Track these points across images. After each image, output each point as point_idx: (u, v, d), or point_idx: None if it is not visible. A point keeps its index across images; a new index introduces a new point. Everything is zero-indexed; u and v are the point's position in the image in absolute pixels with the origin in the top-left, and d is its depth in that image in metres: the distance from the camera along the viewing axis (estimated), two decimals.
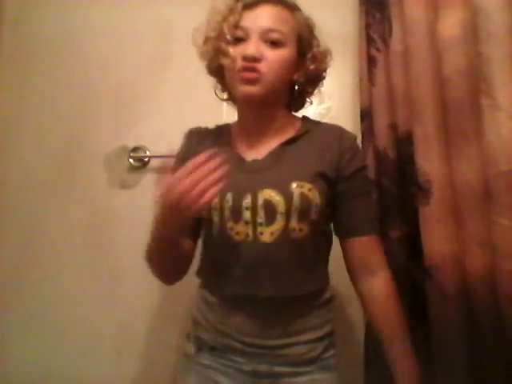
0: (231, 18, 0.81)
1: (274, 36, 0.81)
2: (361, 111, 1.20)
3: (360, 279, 0.86)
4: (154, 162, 1.36)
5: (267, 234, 0.79)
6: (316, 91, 0.93)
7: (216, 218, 0.82)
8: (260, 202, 0.79)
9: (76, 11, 1.42)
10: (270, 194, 0.79)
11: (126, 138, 1.37)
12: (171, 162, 0.95)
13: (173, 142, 1.31)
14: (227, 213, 0.81)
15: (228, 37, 0.81)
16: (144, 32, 1.41)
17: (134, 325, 1.31)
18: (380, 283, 0.84)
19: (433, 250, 0.89)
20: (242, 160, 0.85)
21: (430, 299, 0.90)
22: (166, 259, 0.84)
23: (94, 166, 1.36)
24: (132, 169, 1.36)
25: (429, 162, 0.90)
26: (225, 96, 0.94)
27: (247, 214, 0.80)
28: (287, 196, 0.79)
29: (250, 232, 0.80)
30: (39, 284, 1.33)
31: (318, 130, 0.88)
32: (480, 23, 0.76)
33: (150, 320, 1.31)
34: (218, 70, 0.87)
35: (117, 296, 1.32)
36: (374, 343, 1.07)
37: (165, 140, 1.35)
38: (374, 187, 1.11)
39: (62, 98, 1.40)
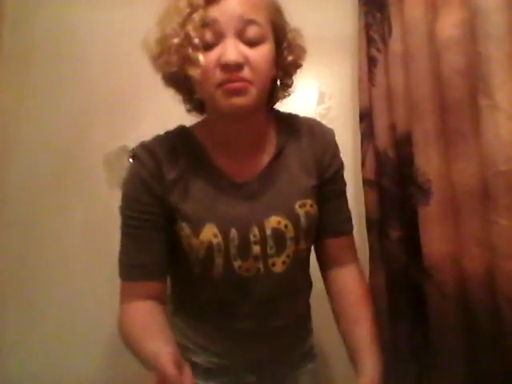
0: (195, 16, 0.64)
1: (253, 31, 0.65)
2: (360, 111, 1.20)
3: (332, 271, 0.83)
4: None
5: (279, 264, 0.74)
6: (294, 81, 0.79)
7: (219, 260, 0.71)
8: (268, 232, 0.73)
9: (76, 11, 1.42)
10: (277, 221, 0.73)
11: (126, 138, 1.37)
12: None
13: None
14: (233, 251, 0.71)
15: (196, 40, 0.64)
16: (144, 32, 1.40)
17: None
18: (352, 273, 0.82)
19: (432, 251, 0.89)
20: (233, 184, 0.74)
21: (429, 299, 0.90)
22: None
23: (94, 166, 1.36)
24: None
25: (428, 162, 0.90)
26: (189, 106, 0.80)
27: (256, 249, 0.72)
28: (294, 219, 0.74)
29: (261, 266, 0.73)
30: (39, 284, 1.33)
31: (296, 135, 0.79)
32: (479, 23, 0.76)
33: None
34: (177, 79, 0.71)
35: (116, 295, 1.31)
36: None
37: None
38: (375, 187, 1.11)
39: (62, 98, 1.40)
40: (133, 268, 0.74)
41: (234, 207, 0.71)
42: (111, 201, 1.36)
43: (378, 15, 1.14)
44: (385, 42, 1.10)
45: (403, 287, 1.02)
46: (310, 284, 0.87)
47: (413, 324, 1.00)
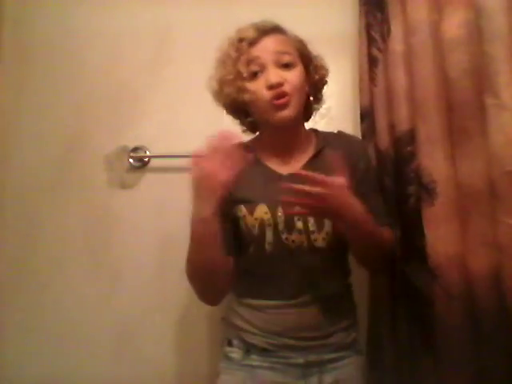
0: (242, 58, 0.88)
1: (286, 58, 0.89)
2: (361, 111, 1.20)
3: None
4: (153, 162, 1.35)
5: (320, 239, 0.89)
6: (323, 97, 1.02)
7: (270, 233, 0.88)
8: None
9: (76, 11, 1.42)
10: None
11: (125, 138, 1.37)
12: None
13: (173, 142, 1.33)
14: (281, 225, 0.88)
15: (245, 74, 0.88)
16: (144, 32, 1.41)
17: (132, 325, 1.31)
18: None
19: (438, 251, 0.88)
20: (279, 176, 0.92)
21: (435, 299, 0.90)
22: (207, 267, 0.86)
23: (94, 166, 1.36)
24: (132, 169, 1.36)
25: (434, 162, 0.90)
26: (244, 128, 1.01)
27: (299, 224, 0.88)
28: None
29: (305, 239, 0.88)
30: (39, 284, 1.33)
31: (332, 142, 0.97)
32: (484, 23, 0.76)
33: (149, 320, 1.31)
34: (238, 108, 0.94)
35: (117, 296, 1.32)
36: (376, 347, 1.07)
37: (165, 140, 1.35)
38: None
39: (62, 98, 1.40)
40: None
41: (280, 192, 0.82)
42: (111, 201, 1.38)
43: (379, 15, 1.14)
44: (385, 41, 1.10)
45: (405, 287, 1.02)
46: (348, 270, 0.99)
47: (415, 324, 1.00)
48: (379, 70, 1.11)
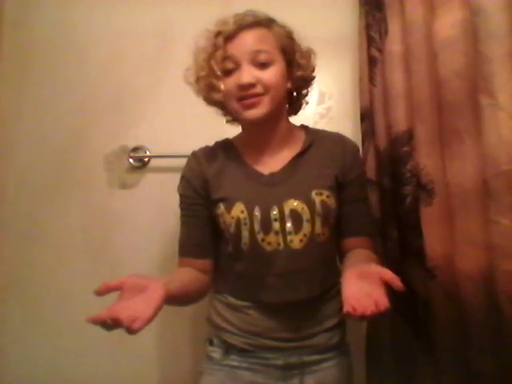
0: (217, 53, 0.86)
1: (262, 57, 0.85)
2: (361, 111, 1.20)
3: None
4: (153, 162, 1.36)
5: (297, 241, 0.86)
6: (310, 91, 0.98)
7: (246, 232, 0.87)
8: (286, 212, 0.86)
9: (76, 11, 1.42)
10: (294, 204, 0.86)
11: (125, 138, 1.37)
12: None
13: (173, 142, 1.33)
14: (257, 226, 0.86)
15: (218, 72, 0.86)
16: (144, 32, 1.41)
17: None
18: (364, 250, 0.93)
19: (436, 251, 0.88)
20: (260, 174, 0.91)
21: (432, 300, 0.90)
22: (188, 302, 0.92)
23: (93, 166, 1.36)
24: (132, 169, 1.36)
25: (432, 162, 0.90)
26: (228, 118, 1.00)
27: (276, 225, 0.86)
28: (310, 204, 0.86)
29: (281, 241, 0.86)
30: (39, 284, 1.33)
31: (321, 140, 0.95)
32: (480, 22, 0.76)
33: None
34: (215, 102, 0.92)
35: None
36: (375, 348, 1.07)
37: (165, 140, 1.35)
38: (376, 187, 1.11)
39: (62, 98, 1.40)
40: (184, 247, 0.96)
41: (258, 191, 0.88)
42: (111, 201, 1.38)
43: (378, 15, 1.14)
44: (383, 41, 1.10)
45: (404, 287, 1.02)
46: (335, 280, 0.90)
47: (412, 325, 1.00)
48: (378, 71, 1.11)
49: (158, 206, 1.34)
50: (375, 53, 1.13)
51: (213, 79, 0.86)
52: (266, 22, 0.89)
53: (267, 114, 0.86)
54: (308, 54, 0.94)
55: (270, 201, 0.87)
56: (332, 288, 0.93)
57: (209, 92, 0.89)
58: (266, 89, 0.85)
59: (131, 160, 1.36)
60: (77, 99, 1.40)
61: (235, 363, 0.90)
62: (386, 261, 1.09)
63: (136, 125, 1.38)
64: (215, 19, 1.35)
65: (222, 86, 0.86)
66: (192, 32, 1.40)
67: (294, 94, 0.96)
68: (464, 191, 0.82)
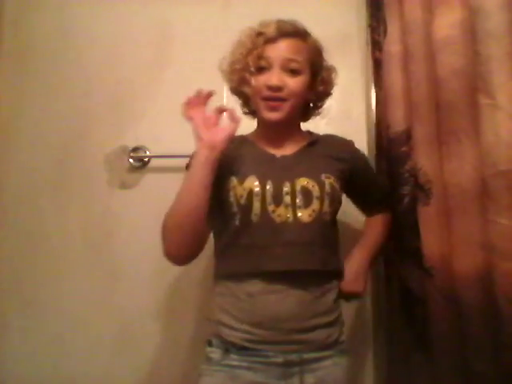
0: (255, 52, 0.94)
1: (293, 65, 0.94)
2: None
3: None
4: (154, 162, 1.36)
5: (306, 215, 0.91)
6: (324, 105, 1.07)
7: (257, 203, 0.91)
8: (298, 188, 0.92)
9: (75, 12, 1.42)
10: (306, 181, 0.93)
11: (125, 138, 1.37)
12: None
13: (173, 142, 1.33)
14: (269, 198, 0.91)
15: (252, 69, 0.94)
16: (144, 32, 1.41)
17: (132, 325, 1.31)
18: (381, 217, 1.07)
19: (433, 251, 0.89)
20: (272, 156, 0.98)
21: (429, 300, 0.90)
22: (193, 214, 0.90)
23: (93, 166, 1.36)
24: (132, 169, 1.36)
25: (430, 162, 0.90)
26: (246, 110, 1.06)
27: (287, 199, 0.92)
28: (320, 183, 0.93)
29: (290, 214, 0.91)
30: (39, 285, 1.33)
31: (324, 139, 1.04)
32: (479, 22, 0.76)
33: (149, 320, 1.31)
34: (240, 93, 1.01)
35: (116, 296, 1.32)
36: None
37: (165, 140, 1.35)
38: None
39: (62, 98, 1.40)
40: None
41: (271, 168, 0.95)
42: (111, 201, 1.38)
43: (378, 15, 1.14)
44: (383, 42, 1.11)
45: (401, 288, 1.02)
46: (337, 267, 0.99)
47: (409, 325, 1.00)
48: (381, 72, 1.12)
49: (158, 206, 1.32)
50: (378, 55, 1.13)
51: (246, 74, 0.95)
52: (303, 34, 0.98)
53: (285, 118, 0.95)
54: (332, 72, 1.03)
55: (282, 177, 0.93)
56: (330, 280, 0.96)
57: (240, 84, 0.97)
58: (290, 95, 0.93)
59: (131, 160, 1.36)
60: (77, 99, 1.40)
61: (235, 363, 0.90)
62: (383, 261, 1.09)
63: (136, 125, 1.38)
64: (214, 20, 1.37)
65: (253, 82, 0.94)
66: (191, 32, 1.42)
67: (310, 104, 1.04)
68: (462, 191, 0.82)
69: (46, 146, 1.38)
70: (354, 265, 1.00)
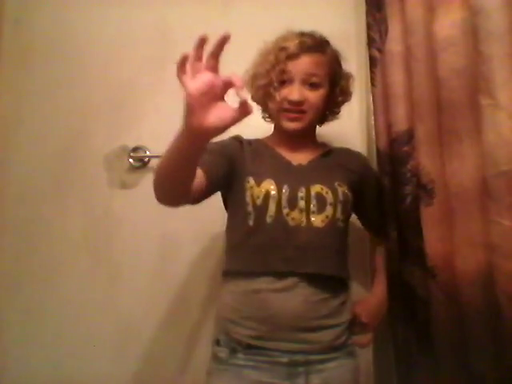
0: (277, 68, 0.97)
1: (314, 79, 0.98)
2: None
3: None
4: (154, 162, 1.35)
5: (319, 220, 0.95)
6: (340, 112, 1.11)
7: (273, 205, 0.93)
8: (312, 193, 0.95)
9: (76, 11, 1.42)
10: (321, 188, 0.96)
11: (126, 138, 1.37)
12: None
13: None
14: (284, 201, 0.94)
15: (275, 84, 0.98)
16: (144, 32, 1.41)
17: (133, 325, 1.31)
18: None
19: (436, 251, 0.88)
20: (289, 162, 1.02)
21: (432, 300, 0.90)
22: (181, 167, 0.81)
23: (94, 166, 1.36)
24: (132, 169, 1.36)
25: (432, 162, 0.90)
26: (265, 116, 1.11)
27: (302, 203, 0.94)
28: (334, 191, 0.97)
29: (304, 218, 0.94)
30: (39, 284, 1.33)
31: (338, 151, 1.09)
32: (480, 22, 0.76)
33: (149, 321, 1.31)
34: (262, 103, 1.05)
35: (117, 296, 1.32)
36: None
37: (165, 140, 1.34)
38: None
39: (62, 98, 1.40)
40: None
41: (287, 173, 0.99)
42: (111, 201, 1.38)
43: (378, 15, 1.14)
44: (383, 41, 1.10)
45: (404, 287, 1.02)
46: (346, 274, 1.01)
47: (411, 325, 1.00)
48: (378, 71, 1.12)
49: (157, 206, 1.33)
50: (375, 53, 1.13)
51: (271, 89, 0.98)
52: (323, 47, 1.01)
53: (303, 128, 1.00)
54: (349, 80, 1.07)
55: (297, 183, 0.96)
56: (338, 285, 0.98)
57: (265, 99, 1.02)
58: (310, 108, 0.98)
59: (131, 160, 1.36)
60: (77, 99, 1.40)
61: (241, 362, 0.91)
62: (386, 261, 1.09)
63: (136, 125, 1.38)
64: (215, 20, 1.37)
65: (278, 97, 0.98)
66: (191, 32, 1.41)
67: (327, 112, 1.08)
68: (464, 191, 0.82)
69: (46, 146, 1.38)
70: (378, 302, 1.07)
